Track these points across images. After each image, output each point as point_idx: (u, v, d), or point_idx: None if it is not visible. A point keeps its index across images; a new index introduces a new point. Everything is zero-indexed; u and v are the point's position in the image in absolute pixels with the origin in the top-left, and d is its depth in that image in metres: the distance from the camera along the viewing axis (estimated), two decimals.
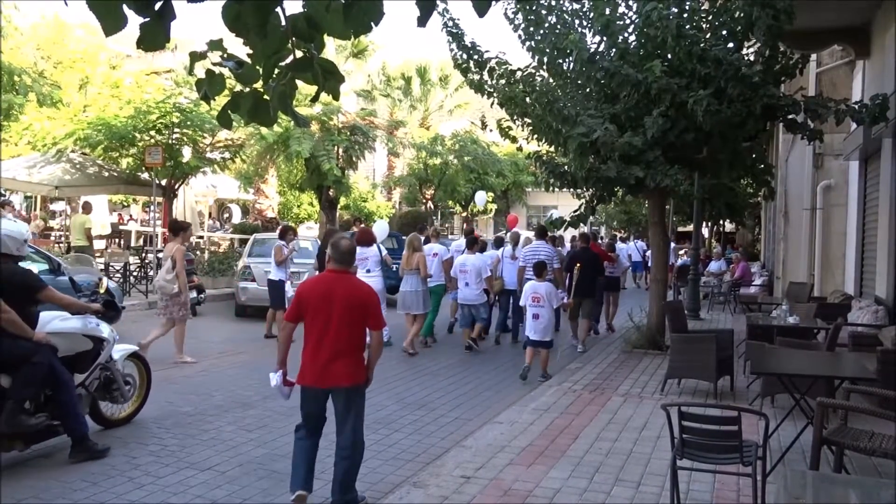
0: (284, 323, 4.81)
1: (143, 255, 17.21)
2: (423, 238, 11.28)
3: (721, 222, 28.68)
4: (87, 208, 16.47)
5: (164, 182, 17.60)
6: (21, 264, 5.61)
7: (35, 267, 9.93)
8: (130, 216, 29.44)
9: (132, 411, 6.47)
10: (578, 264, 10.40)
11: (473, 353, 10.29)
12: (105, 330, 6.05)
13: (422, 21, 2.05)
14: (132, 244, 21.56)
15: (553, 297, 8.75)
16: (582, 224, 10.76)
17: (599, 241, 16.46)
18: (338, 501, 4.52)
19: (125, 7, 1.90)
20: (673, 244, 19.91)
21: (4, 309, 5.05)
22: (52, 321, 5.61)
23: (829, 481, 3.71)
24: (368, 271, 10.04)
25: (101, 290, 6.52)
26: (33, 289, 5.37)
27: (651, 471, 5.23)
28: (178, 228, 9.65)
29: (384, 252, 10.81)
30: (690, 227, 18.56)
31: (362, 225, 15.43)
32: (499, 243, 12.24)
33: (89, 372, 5.86)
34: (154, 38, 1.96)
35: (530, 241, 11.48)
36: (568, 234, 12.83)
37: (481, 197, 15.14)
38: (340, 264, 4.74)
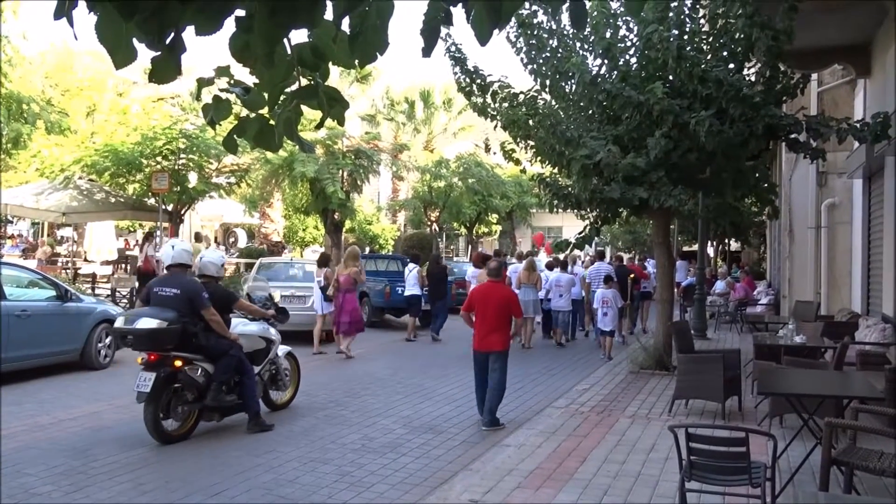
0: (463, 312, 7.90)
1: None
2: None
3: (726, 241, 28.65)
4: (198, 238, 17.29)
5: (170, 207, 17.71)
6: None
7: (43, 293, 10.03)
8: (137, 241, 29.55)
9: (289, 398, 8.10)
10: (632, 276, 14.52)
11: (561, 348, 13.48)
12: (273, 333, 7.76)
13: (426, 52, 2.08)
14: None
15: (617, 300, 12.25)
16: (588, 245, 10.84)
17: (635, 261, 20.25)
18: (486, 422, 7.27)
19: (135, 41, 1.95)
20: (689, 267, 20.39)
21: (215, 314, 6.70)
22: (238, 325, 7.33)
23: (839, 502, 3.69)
24: None
25: (276, 301, 8.33)
26: (230, 301, 7.15)
27: (660, 493, 5.20)
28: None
29: None
30: (696, 247, 18.57)
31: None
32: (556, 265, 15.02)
33: (262, 365, 7.53)
34: (166, 71, 2.00)
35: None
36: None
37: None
38: (493, 277, 7.72)
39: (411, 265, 15.06)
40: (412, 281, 14.66)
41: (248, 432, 6.89)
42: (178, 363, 6.53)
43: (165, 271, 7.02)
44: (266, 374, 7.66)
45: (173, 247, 7.02)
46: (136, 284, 16.21)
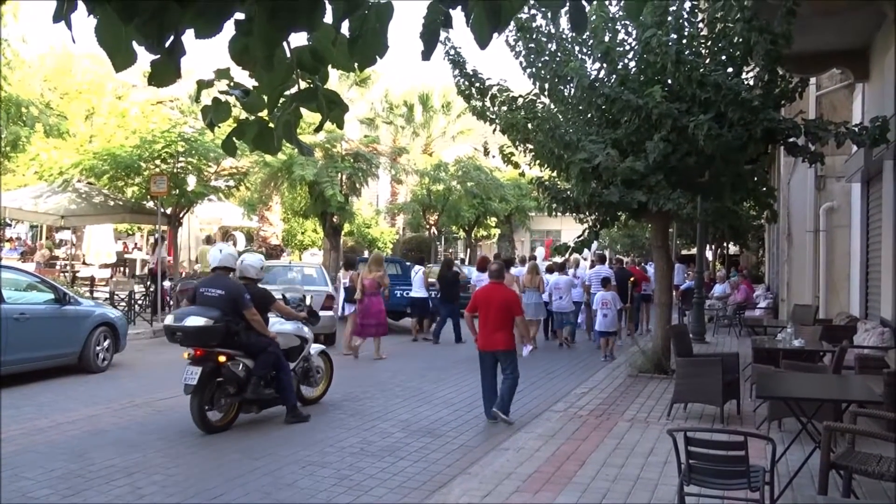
0: (467, 314, 8.17)
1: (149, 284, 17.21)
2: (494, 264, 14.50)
3: (725, 245, 28.66)
4: (209, 240, 17.91)
5: (169, 210, 17.69)
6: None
7: (41, 297, 10.02)
8: (136, 245, 29.54)
9: (320, 394, 8.58)
10: (632, 279, 14.85)
11: (566, 349, 13.76)
12: (307, 331, 8.22)
13: (426, 55, 2.09)
14: (137, 273, 21.61)
15: (616, 302, 12.52)
16: (587, 249, 10.85)
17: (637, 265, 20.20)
18: (498, 408, 7.57)
19: (135, 44, 1.95)
20: (686, 271, 20.57)
21: (256, 314, 7.23)
22: (275, 324, 7.80)
23: None
24: None
25: (308, 303, 8.74)
26: (268, 302, 7.62)
27: (658, 497, 5.19)
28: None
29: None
30: (694, 250, 18.61)
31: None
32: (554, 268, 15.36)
33: (297, 362, 7.98)
34: (165, 74, 2.00)
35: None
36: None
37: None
38: (494, 278, 8.01)
39: (417, 267, 15.40)
40: (418, 283, 14.94)
41: (287, 423, 7.40)
42: (222, 359, 7.04)
43: (210, 273, 7.60)
44: (299, 370, 8.09)
45: (220, 251, 7.59)
46: (150, 285, 16.42)
